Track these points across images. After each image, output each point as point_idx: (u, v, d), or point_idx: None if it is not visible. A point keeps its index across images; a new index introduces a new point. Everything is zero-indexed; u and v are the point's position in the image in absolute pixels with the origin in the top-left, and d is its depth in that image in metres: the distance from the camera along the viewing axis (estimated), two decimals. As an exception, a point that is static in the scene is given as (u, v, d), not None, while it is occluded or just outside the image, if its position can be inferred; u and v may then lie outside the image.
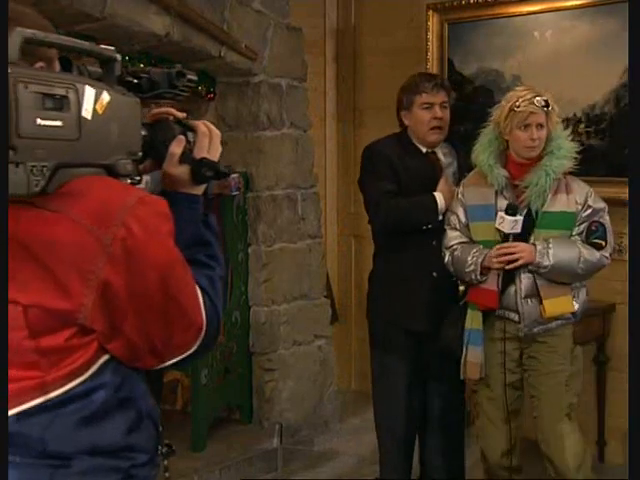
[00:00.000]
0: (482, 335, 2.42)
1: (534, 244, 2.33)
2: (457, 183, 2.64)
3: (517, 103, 2.32)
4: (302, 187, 3.35)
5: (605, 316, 3.05)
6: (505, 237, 2.35)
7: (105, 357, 1.07)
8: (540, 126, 2.31)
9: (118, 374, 1.08)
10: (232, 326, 3.14)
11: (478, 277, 2.35)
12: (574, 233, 2.39)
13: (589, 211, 2.39)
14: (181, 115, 1.26)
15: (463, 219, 2.44)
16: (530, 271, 2.34)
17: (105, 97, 1.08)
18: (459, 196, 2.47)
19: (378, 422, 2.75)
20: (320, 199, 3.49)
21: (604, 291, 2.97)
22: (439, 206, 2.54)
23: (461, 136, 3.33)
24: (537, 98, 2.29)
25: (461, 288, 2.67)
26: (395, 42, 3.62)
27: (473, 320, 2.43)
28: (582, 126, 3.08)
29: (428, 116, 2.58)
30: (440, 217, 2.55)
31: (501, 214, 2.34)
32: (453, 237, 2.46)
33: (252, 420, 3.25)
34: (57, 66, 1.13)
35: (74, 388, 1.04)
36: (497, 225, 2.34)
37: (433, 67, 3.46)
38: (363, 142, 3.07)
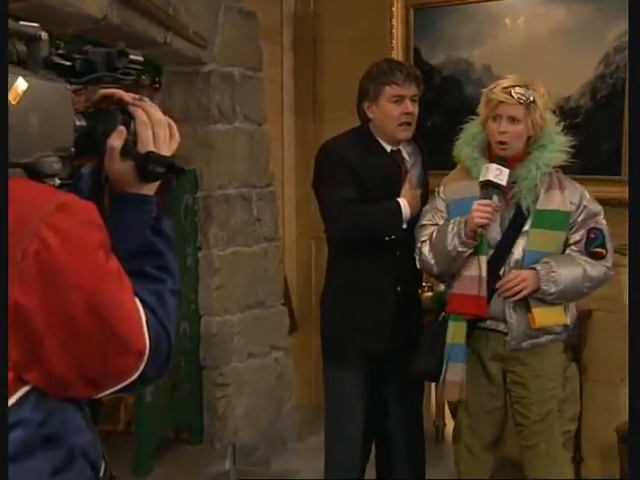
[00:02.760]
0: (465, 350, 2.33)
1: (534, 268, 2.27)
2: (422, 186, 2.60)
3: (492, 89, 2.29)
4: (257, 186, 3.31)
5: (581, 323, 3.03)
6: (488, 191, 2.25)
7: (25, 389, 1.00)
8: (512, 120, 2.26)
9: (42, 408, 1.01)
10: (180, 338, 3.07)
11: (463, 237, 2.25)
12: (570, 242, 2.35)
13: (585, 214, 2.36)
14: (128, 98, 1.17)
15: (445, 215, 2.40)
16: (536, 298, 2.28)
17: (21, 84, 1.01)
18: (440, 195, 2.43)
19: (329, 445, 2.68)
20: (277, 198, 3.45)
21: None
22: (404, 214, 2.47)
23: (428, 131, 3.32)
24: (517, 89, 2.25)
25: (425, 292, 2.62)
26: (357, 29, 3.60)
27: (456, 333, 2.33)
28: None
29: (398, 110, 2.49)
30: (405, 226, 2.49)
31: (486, 165, 2.28)
32: (431, 230, 2.40)
33: (203, 440, 3.20)
34: None
35: None
36: (481, 177, 2.27)
37: (398, 56, 3.43)
38: (323, 137, 3.03)
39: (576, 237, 2.35)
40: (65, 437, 1.04)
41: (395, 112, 2.50)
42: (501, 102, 2.26)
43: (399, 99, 2.50)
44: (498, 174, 2.25)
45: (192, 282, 3.13)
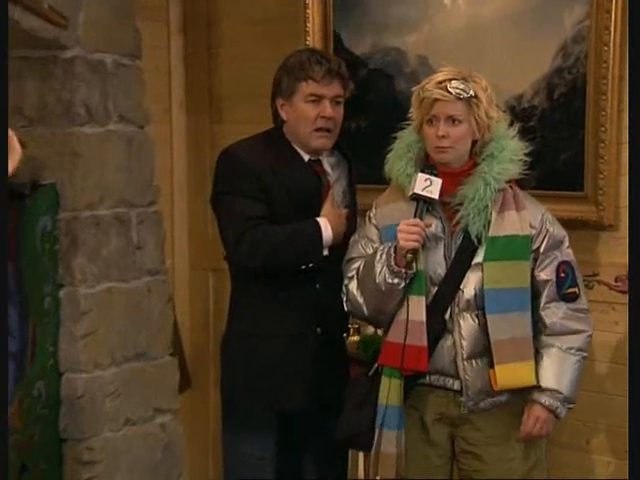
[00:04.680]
0: (402, 414, 2.32)
1: (541, 404, 2.35)
2: (348, 205, 2.63)
3: (425, 86, 2.32)
4: (138, 204, 3.19)
5: None
6: (417, 208, 2.30)
7: None
8: (452, 120, 2.29)
9: None
10: (33, 403, 2.91)
11: (393, 265, 2.27)
12: (544, 296, 2.40)
13: (547, 241, 2.38)
14: None
15: (378, 245, 2.42)
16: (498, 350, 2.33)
17: None
18: (372, 220, 2.44)
19: None
20: (164, 220, 3.32)
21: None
22: (325, 237, 2.48)
23: (352, 136, 3.34)
24: (454, 82, 2.27)
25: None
26: (263, 7, 3.60)
27: (390, 392, 2.33)
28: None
29: (314, 113, 2.53)
30: (326, 252, 2.49)
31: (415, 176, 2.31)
32: (360, 264, 2.43)
33: (65, 536, 3.02)
34: None
35: None
36: (409, 191, 2.33)
37: (314, 42, 3.45)
38: (224, 142, 3.03)
39: (543, 276, 2.38)
40: None
41: (311, 114, 2.53)
42: (436, 100, 2.28)
43: (317, 99, 2.54)
44: (427, 186, 2.28)
45: (51, 329, 2.96)
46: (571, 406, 2.41)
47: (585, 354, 2.45)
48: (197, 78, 3.82)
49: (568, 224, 2.86)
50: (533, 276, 2.39)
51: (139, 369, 3.17)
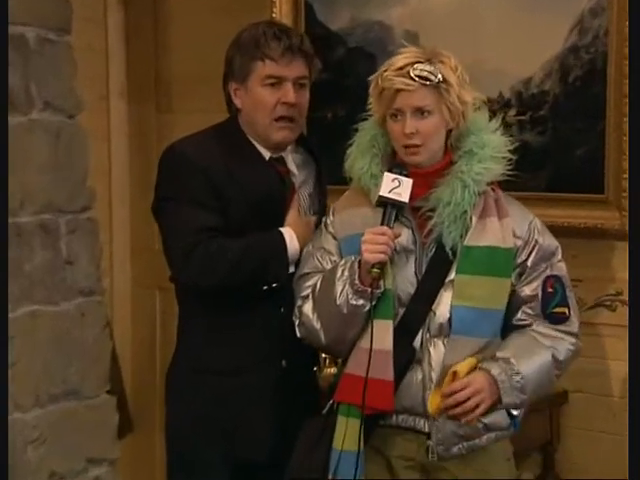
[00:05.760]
0: (361, 460, 2.28)
1: (488, 371, 2.23)
2: (317, 212, 2.63)
3: (383, 74, 2.30)
4: (68, 210, 3.05)
5: (553, 412, 3.03)
6: (384, 214, 2.28)
7: None
8: (421, 112, 2.27)
9: None
10: (-63, 454, 2.81)
11: (357, 284, 2.26)
12: (521, 300, 2.32)
13: (536, 254, 2.34)
14: None
15: (337, 258, 2.41)
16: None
17: None
18: (328, 229, 2.46)
19: None
20: (100, 229, 3.15)
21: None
22: (290, 251, 2.50)
23: (327, 127, 3.36)
24: (417, 66, 2.26)
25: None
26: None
27: (347, 434, 2.30)
28: (512, 112, 3.12)
29: (273, 98, 2.53)
30: (292, 268, 2.50)
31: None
32: (316, 281, 2.44)
33: None
34: None
35: None
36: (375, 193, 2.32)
37: (281, 16, 3.45)
38: (172, 136, 3.06)
39: (526, 291, 2.34)
40: None
41: (269, 100, 2.52)
42: (399, 90, 2.26)
43: (276, 82, 2.53)
44: (395, 187, 2.26)
45: (-40, 363, 2.88)
46: (523, 397, 2.27)
47: (558, 357, 2.33)
48: (140, 58, 3.84)
49: (585, 233, 2.86)
50: (514, 292, 2.34)
51: (69, 410, 3.05)
